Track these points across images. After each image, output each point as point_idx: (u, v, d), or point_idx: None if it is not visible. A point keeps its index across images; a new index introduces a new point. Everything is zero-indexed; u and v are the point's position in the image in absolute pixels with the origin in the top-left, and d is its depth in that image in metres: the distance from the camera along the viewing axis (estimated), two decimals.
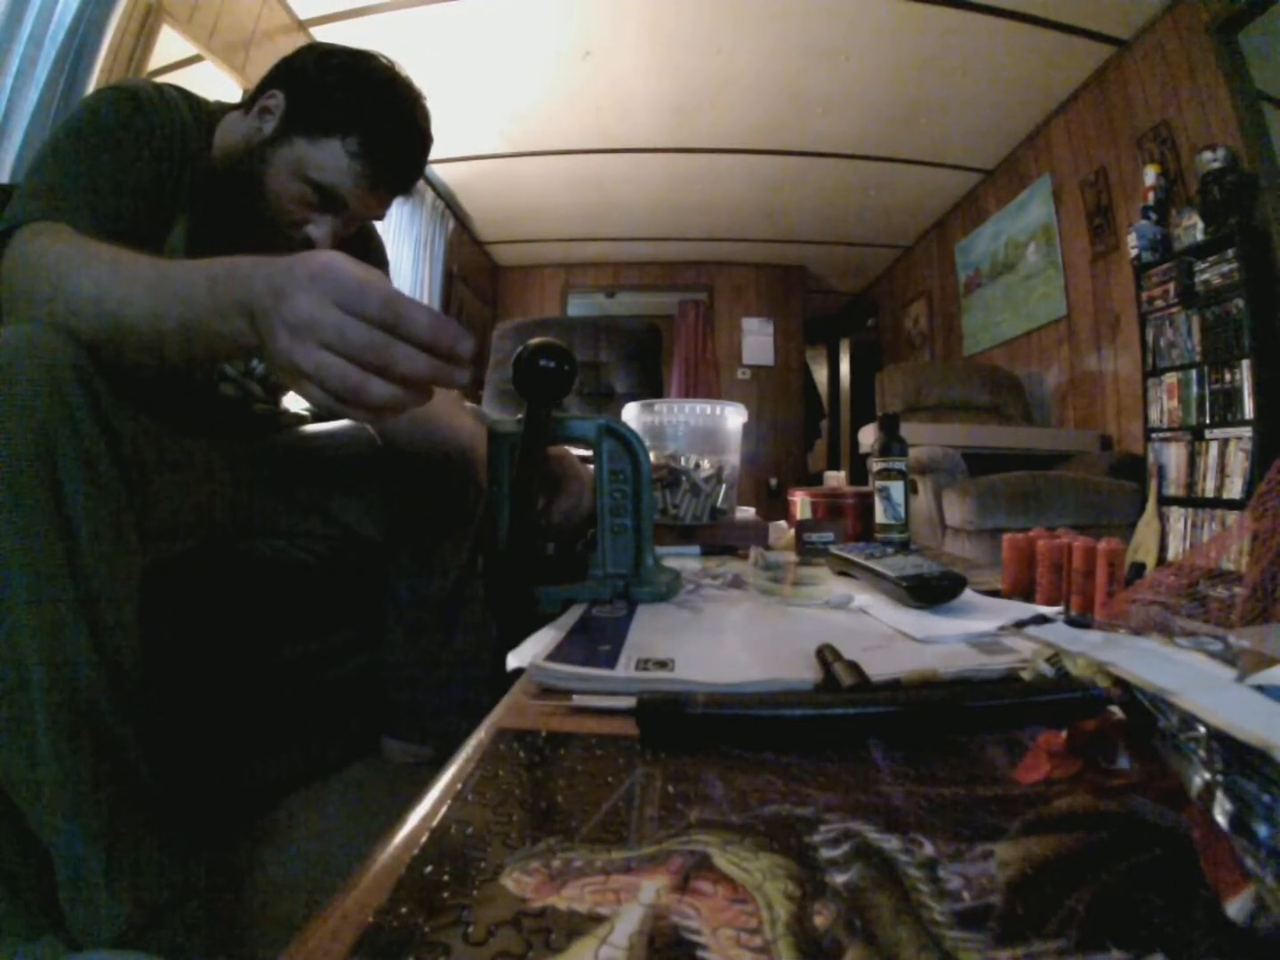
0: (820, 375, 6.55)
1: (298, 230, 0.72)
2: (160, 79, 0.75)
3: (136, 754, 0.51)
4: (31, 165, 0.64)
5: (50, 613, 0.46)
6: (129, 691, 0.51)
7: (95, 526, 0.49)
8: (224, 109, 0.76)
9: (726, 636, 0.47)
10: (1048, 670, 0.30)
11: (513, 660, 0.41)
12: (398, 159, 0.73)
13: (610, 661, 0.39)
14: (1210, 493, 2.15)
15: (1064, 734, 0.24)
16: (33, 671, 0.46)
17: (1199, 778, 0.18)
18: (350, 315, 0.41)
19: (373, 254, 0.92)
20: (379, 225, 0.94)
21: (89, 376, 0.49)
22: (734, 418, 0.92)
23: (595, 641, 0.44)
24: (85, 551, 0.48)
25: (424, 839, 0.22)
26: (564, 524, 0.67)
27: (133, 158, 0.65)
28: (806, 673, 0.37)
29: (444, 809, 0.24)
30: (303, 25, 2.55)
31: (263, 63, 0.76)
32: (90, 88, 1.61)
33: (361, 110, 0.69)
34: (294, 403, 0.99)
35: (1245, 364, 2.05)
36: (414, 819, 0.23)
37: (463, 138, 3.39)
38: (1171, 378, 2.32)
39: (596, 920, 0.18)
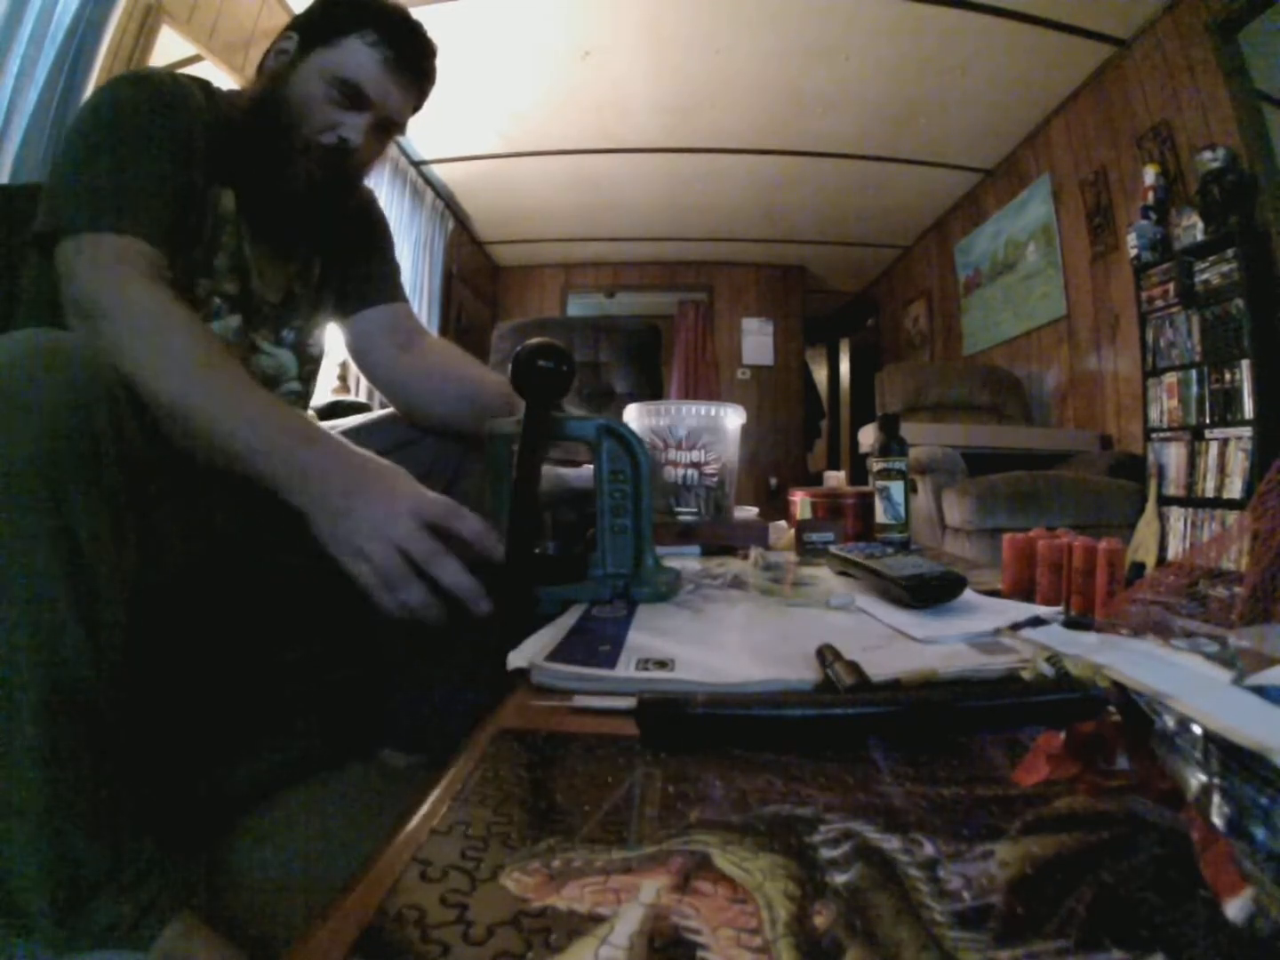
0: (820, 375, 6.55)
1: (329, 134, 0.75)
2: None
3: (135, 755, 0.50)
4: (63, 161, 0.64)
5: (48, 614, 0.46)
6: (127, 693, 0.50)
7: (95, 528, 0.48)
8: (233, 92, 0.79)
9: (726, 636, 0.47)
10: (1048, 671, 0.30)
11: (513, 660, 0.41)
12: (413, 45, 0.78)
13: (610, 661, 0.39)
14: (1210, 493, 2.15)
15: (1062, 736, 0.24)
16: (29, 673, 0.46)
17: (1196, 780, 0.18)
18: (419, 523, 0.51)
19: (375, 224, 0.93)
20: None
21: (111, 384, 0.49)
22: (733, 418, 0.93)
23: (595, 641, 0.44)
24: (85, 553, 0.48)
25: (424, 839, 0.22)
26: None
27: (169, 154, 0.66)
28: (806, 673, 0.37)
29: (444, 809, 0.24)
30: None
31: None
32: (90, 88, 1.60)
33: (372, 8, 0.75)
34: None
35: (1245, 364, 2.05)
36: (414, 819, 0.23)
37: (462, 138, 3.39)
38: (1171, 378, 2.32)
39: (596, 920, 0.18)
